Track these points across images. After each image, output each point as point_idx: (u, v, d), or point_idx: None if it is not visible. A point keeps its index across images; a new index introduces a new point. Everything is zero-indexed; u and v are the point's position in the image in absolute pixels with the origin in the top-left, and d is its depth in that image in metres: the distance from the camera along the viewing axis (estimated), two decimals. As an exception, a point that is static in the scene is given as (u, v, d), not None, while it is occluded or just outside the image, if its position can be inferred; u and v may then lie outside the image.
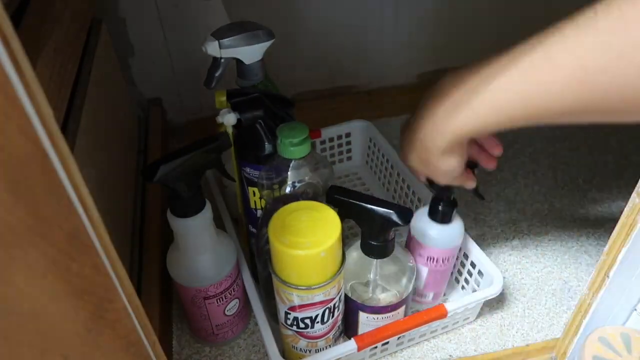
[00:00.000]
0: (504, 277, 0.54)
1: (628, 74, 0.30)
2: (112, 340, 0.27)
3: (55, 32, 0.49)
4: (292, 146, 0.47)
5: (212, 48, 0.51)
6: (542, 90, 0.34)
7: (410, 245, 0.55)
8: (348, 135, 0.79)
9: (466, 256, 0.58)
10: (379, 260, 0.49)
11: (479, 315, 0.59)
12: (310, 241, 0.42)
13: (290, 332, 0.49)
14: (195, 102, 0.88)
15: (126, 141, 0.71)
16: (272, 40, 0.53)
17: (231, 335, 0.57)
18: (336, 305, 0.47)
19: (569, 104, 0.33)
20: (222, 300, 0.52)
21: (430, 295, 0.58)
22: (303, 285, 0.44)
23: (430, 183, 0.50)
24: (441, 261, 0.54)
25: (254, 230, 0.58)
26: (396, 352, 0.56)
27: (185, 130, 0.90)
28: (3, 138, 0.17)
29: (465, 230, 0.58)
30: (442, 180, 0.47)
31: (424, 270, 0.55)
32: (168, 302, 0.61)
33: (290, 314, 0.47)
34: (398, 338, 0.54)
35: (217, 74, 0.52)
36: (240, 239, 0.62)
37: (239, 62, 0.53)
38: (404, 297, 0.51)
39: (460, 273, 0.60)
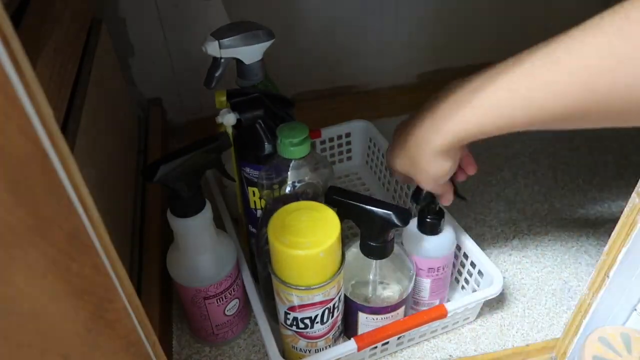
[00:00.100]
0: (504, 277, 0.54)
1: (631, 75, 0.30)
2: (112, 340, 0.27)
3: (55, 32, 0.49)
4: (292, 146, 0.47)
5: (212, 48, 0.51)
6: (544, 90, 0.33)
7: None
8: (348, 135, 0.79)
9: (466, 256, 0.58)
10: (378, 260, 0.49)
11: (479, 315, 0.59)
12: (309, 241, 0.42)
13: (290, 332, 0.49)
14: (195, 102, 0.88)
15: (126, 141, 0.71)
16: (272, 40, 0.53)
17: (231, 335, 0.57)
18: (336, 305, 0.47)
19: (571, 104, 0.33)
20: (222, 300, 0.52)
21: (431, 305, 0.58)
22: (302, 285, 0.44)
23: (413, 195, 0.51)
24: (436, 270, 0.54)
25: (254, 230, 0.58)
26: (396, 352, 0.56)
27: (185, 130, 0.90)
28: (3, 138, 0.17)
29: (465, 230, 0.58)
30: (426, 183, 0.46)
31: (424, 282, 0.55)
32: (168, 302, 0.61)
33: (290, 314, 0.47)
34: (398, 338, 0.54)
35: (217, 74, 0.52)
36: (240, 239, 0.62)
37: (239, 62, 0.53)
38: (403, 298, 0.51)
39: (460, 273, 0.60)
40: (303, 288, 0.44)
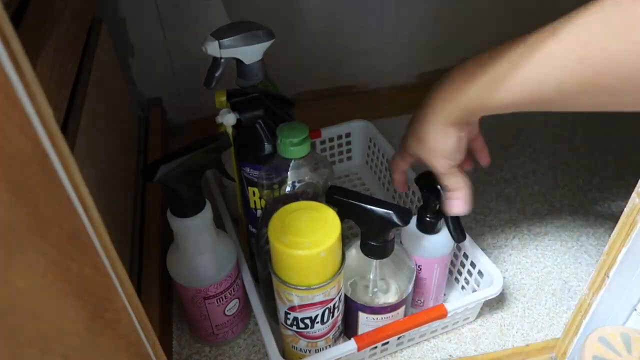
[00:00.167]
0: (504, 277, 0.54)
1: (625, 52, 0.30)
2: (112, 340, 0.27)
3: (55, 32, 0.49)
4: (292, 146, 0.47)
5: (212, 48, 0.51)
6: (542, 64, 0.34)
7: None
8: (348, 135, 0.79)
9: (466, 256, 0.58)
10: (378, 260, 0.49)
11: (479, 315, 0.59)
12: (310, 241, 0.42)
13: (290, 332, 0.49)
14: (195, 102, 0.88)
15: (126, 141, 0.71)
16: (272, 40, 0.53)
17: (231, 335, 0.57)
18: (336, 305, 0.47)
19: (566, 79, 0.33)
20: (222, 300, 0.52)
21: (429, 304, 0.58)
22: (303, 285, 0.44)
23: (419, 180, 0.50)
24: (435, 269, 0.54)
25: (254, 230, 0.58)
26: (396, 352, 0.56)
27: (185, 130, 0.90)
28: (3, 138, 0.17)
29: (465, 230, 0.58)
30: (436, 162, 0.46)
31: (424, 280, 0.55)
32: (168, 302, 0.61)
33: (290, 314, 0.47)
34: (398, 338, 0.54)
35: (217, 74, 0.52)
36: (240, 239, 0.62)
37: (239, 62, 0.53)
38: (403, 297, 0.51)
39: (460, 273, 0.60)
40: (303, 288, 0.44)
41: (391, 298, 0.51)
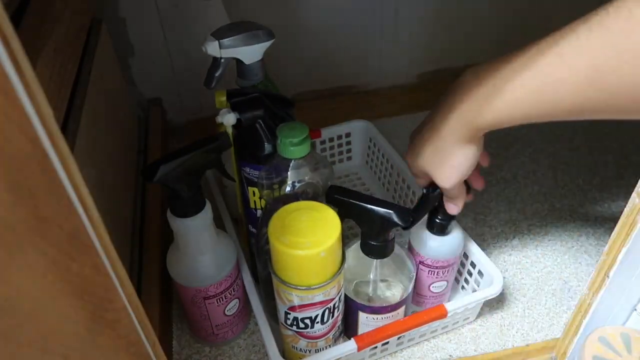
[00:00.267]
0: (504, 277, 0.54)
1: (637, 75, 0.30)
2: (112, 340, 0.27)
3: (55, 32, 0.49)
4: (292, 146, 0.47)
5: (212, 48, 0.51)
6: (554, 88, 0.35)
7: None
8: (348, 135, 0.79)
9: (466, 256, 0.58)
10: (379, 260, 0.49)
11: (479, 315, 0.59)
12: (310, 241, 0.42)
13: (290, 332, 0.49)
14: (195, 102, 0.88)
15: (126, 141, 0.71)
16: (272, 40, 0.53)
17: (231, 335, 0.57)
18: (336, 305, 0.47)
19: (580, 102, 0.34)
20: (222, 300, 0.52)
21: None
22: (303, 285, 0.44)
23: (427, 189, 0.50)
24: (442, 271, 0.54)
25: (254, 230, 0.58)
26: (396, 352, 0.56)
27: (185, 130, 0.90)
28: (3, 138, 0.17)
29: (465, 230, 0.58)
30: (447, 179, 0.45)
31: (428, 281, 0.55)
32: (168, 302, 0.61)
33: (290, 314, 0.47)
34: (398, 338, 0.54)
35: (217, 74, 0.52)
36: (240, 239, 0.62)
37: (239, 62, 0.53)
38: (404, 297, 0.51)
39: (460, 273, 0.60)
40: (303, 288, 0.44)
41: (391, 298, 0.51)
